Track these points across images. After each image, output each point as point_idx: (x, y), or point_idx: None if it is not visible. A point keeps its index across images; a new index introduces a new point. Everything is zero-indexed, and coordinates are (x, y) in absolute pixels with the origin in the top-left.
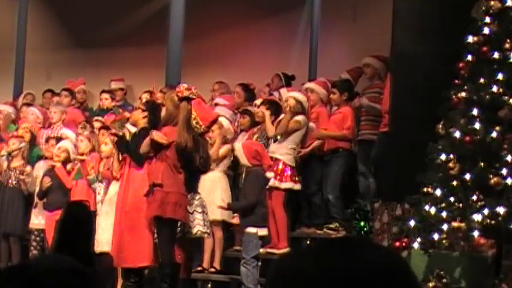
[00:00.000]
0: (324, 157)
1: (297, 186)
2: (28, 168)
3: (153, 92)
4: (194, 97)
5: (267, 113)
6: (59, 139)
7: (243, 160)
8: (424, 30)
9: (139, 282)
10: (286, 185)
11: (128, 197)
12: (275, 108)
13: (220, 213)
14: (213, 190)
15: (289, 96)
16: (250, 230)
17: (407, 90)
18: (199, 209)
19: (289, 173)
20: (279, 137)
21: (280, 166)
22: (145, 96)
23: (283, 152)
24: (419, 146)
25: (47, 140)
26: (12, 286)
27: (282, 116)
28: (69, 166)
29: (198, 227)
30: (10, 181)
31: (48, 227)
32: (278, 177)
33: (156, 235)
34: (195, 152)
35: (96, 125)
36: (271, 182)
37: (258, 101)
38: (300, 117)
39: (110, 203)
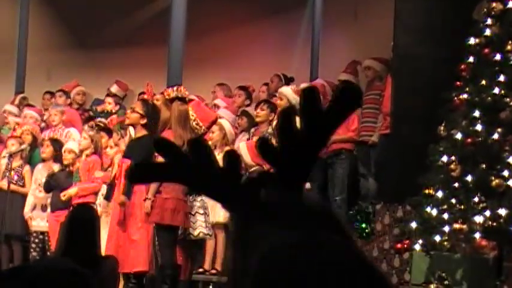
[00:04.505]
0: (327, 160)
1: None
2: (27, 167)
3: (147, 92)
4: (183, 96)
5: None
6: (53, 140)
7: (247, 158)
8: (427, 31)
9: (139, 284)
10: None
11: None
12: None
13: (223, 215)
14: None
15: (282, 94)
16: None
17: (410, 91)
18: (201, 211)
19: None
20: None
21: None
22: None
23: None
24: (421, 148)
25: (43, 142)
26: (13, 286)
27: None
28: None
29: (200, 228)
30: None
31: (50, 228)
32: None
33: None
34: None
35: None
36: None
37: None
38: None
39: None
